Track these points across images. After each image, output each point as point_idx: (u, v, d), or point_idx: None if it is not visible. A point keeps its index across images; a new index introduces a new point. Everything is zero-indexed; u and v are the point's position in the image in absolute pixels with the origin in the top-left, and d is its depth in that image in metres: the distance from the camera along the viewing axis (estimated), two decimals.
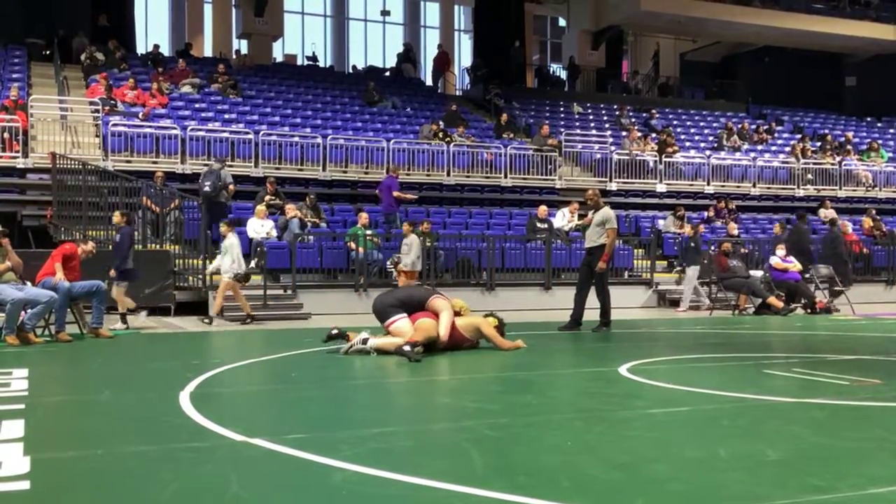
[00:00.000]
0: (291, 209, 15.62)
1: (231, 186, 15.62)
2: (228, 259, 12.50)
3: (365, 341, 8.33)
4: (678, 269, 17.25)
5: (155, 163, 17.17)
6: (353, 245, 15.04)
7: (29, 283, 9.83)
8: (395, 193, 16.91)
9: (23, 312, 9.29)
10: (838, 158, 24.69)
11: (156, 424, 5.04)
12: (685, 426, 5.15)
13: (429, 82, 28.58)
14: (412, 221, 15.26)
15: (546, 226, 17.46)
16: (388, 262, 14.87)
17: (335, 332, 8.68)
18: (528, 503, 3.35)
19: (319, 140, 18.87)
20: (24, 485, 3.60)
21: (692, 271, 16.03)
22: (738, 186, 22.98)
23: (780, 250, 16.11)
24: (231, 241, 12.54)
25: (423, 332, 8.22)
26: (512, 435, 4.76)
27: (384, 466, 3.87)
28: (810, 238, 17.72)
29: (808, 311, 15.49)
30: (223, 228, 12.87)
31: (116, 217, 11.92)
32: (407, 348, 7.86)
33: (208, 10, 29.62)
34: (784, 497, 3.47)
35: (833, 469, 4.05)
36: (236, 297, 12.58)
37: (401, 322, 8.38)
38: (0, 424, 4.78)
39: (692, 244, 16.36)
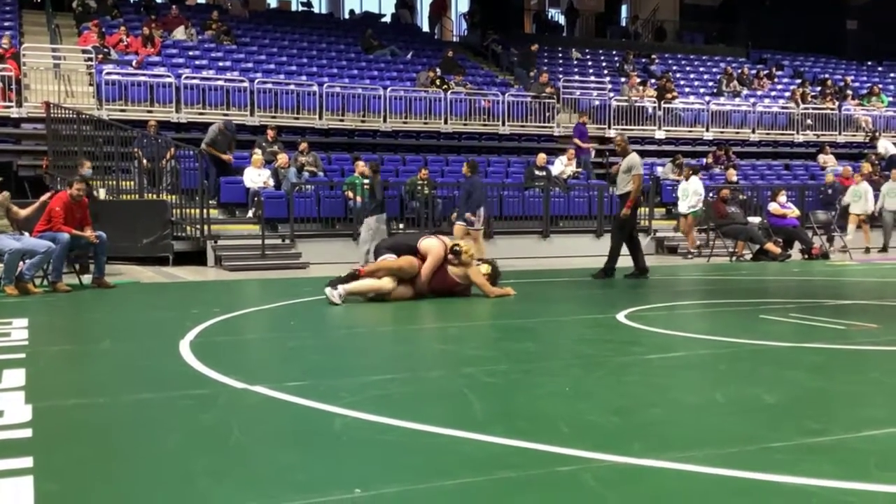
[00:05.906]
0: (283, 159, 15.48)
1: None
2: None
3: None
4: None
5: (150, 112, 17.01)
6: (350, 194, 14.98)
7: (27, 234, 9.81)
8: (576, 141, 18.39)
9: (21, 263, 9.31)
10: (838, 103, 24.52)
11: (157, 373, 5.07)
12: (682, 371, 5.19)
13: (425, 28, 28.21)
14: None
15: (544, 174, 17.39)
16: None
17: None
18: (528, 448, 3.38)
19: (315, 88, 18.68)
20: (27, 433, 3.63)
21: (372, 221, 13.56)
22: (738, 132, 22.85)
23: (782, 196, 16.06)
24: None
25: (406, 262, 8.25)
26: (510, 381, 4.79)
27: (384, 413, 3.90)
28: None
29: (806, 256, 15.53)
30: None
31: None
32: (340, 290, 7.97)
33: None
34: (780, 439, 3.51)
35: (829, 412, 4.09)
36: None
37: (386, 255, 8.45)
38: (1, 373, 4.82)
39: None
